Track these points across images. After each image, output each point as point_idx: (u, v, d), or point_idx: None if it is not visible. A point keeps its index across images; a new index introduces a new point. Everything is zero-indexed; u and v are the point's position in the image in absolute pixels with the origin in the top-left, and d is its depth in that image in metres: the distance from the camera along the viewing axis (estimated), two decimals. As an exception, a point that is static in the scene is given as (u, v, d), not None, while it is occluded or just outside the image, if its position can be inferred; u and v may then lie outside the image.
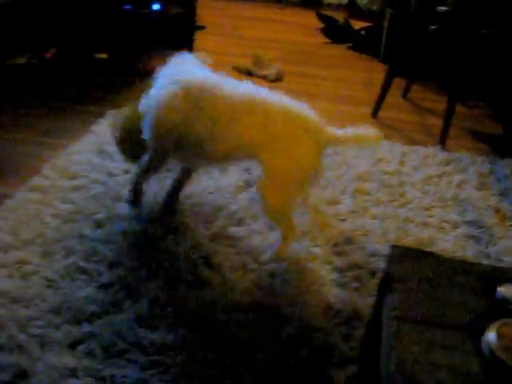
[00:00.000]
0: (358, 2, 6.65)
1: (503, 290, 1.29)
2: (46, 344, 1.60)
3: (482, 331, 1.17)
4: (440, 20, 3.23)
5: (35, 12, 3.68)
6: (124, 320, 1.68)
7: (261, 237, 2.12)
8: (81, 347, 1.60)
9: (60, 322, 1.67)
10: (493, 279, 1.36)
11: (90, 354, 1.58)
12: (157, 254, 1.98)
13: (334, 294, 1.86)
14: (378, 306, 1.52)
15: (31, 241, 2.00)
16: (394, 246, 1.49)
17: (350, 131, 1.97)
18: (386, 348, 1.22)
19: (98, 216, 2.15)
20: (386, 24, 4.71)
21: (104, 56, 4.03)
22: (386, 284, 1.41)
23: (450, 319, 1.24)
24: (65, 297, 1.75)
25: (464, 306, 1.28)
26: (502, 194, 2.65)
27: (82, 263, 1.90)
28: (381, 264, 2.01)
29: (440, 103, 3.62)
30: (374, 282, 1.92)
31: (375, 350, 1.36)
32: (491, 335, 1.14)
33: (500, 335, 1.14)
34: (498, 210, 2.50)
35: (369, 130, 1.99)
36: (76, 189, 2.33)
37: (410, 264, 1.41)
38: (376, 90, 3.61)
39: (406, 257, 1.43)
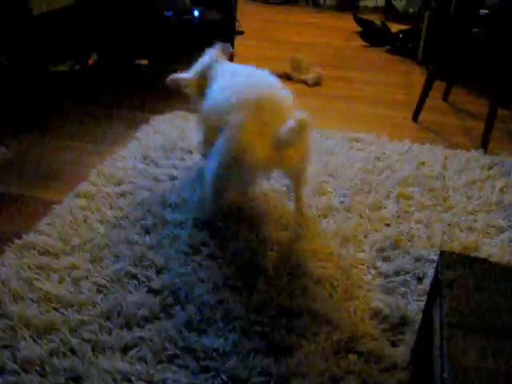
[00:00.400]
0: (395, 4, 6.65)
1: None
2: (98, 348, 1.63)
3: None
4: (481, 23, 3.21)
5: (78, 19, 3.75)
6: (174, 325, 1.70)
7: (306, 242, 2.13)
8: (132, 352, 1.62)
9: (111, 326, 1.70)
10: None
11: (141, 358, 1.60)
12: (203, 259, 2.00)
13: (380, 300, 1.86)
14: (427, 312, 1.52)
15: (80, 246, 2.04)
16: (442, 252, 1.49)
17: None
18: (438, 354, 1.22)
19: (145, 222, 2.19)
20: (424, 26, 4.69)
21: (145, 62, 4.10)
22: (436, 290, 1.42)
23: (503, 326, 1.24)
24: (115, 302, 1.78)
25: (516, 313, 1.28)
26: (547, 197, 2.62)
27: (130, 268, 1.93)
28: (427, 269, 2.01)
29: (481, 106, 3.60)
30: (421, 288, 1.92)
31: (427, 356, 1.37)
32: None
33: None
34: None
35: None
36: (122, 195, 2.36)
37: (460, 270, 1.41)
38: (416, 93, 3.60)
39: (455, 263, 1.43)
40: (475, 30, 3.21)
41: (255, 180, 2.19)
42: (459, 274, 1.39)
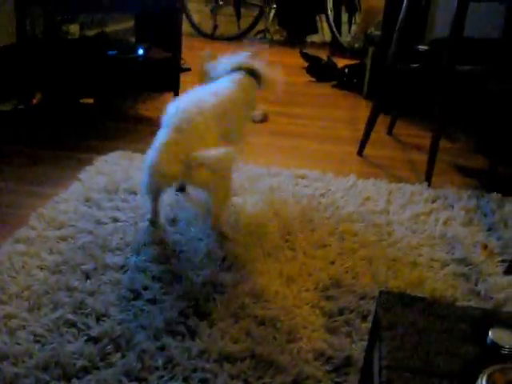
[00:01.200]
0: (341, 40, 6.76)
1: (494, 335, 1.28)
2: (35, 402, 1.58)
3: (473, 378, 1.16)
4: (421, 58, 3.28)
5: (21, 58, 3.71)
6: (113, 374, 1.65)
7: (251, 283, 2.11)
8: (70, 405, 1.57)
9: (48, 378, 1.63)
10: (483, 323, 1.35)
11: (79, 411, 1.56)
12: (145, 304, 1.96)
13: (324, 340, 1.84)
14: (368, 355, 1.51)
15: (18, 294, 1.97)
16: (381, 292, 1.48)
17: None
18: (377, 399, 1.21)
19: (86, 267, 2.13)
20: (368, 62, 4.77)
21: (90, 101, 4.06)
22: (376, 332, 1.41)
23: (441, 367, 1.23)
24: (53, 352, 1.72)
25: (455, 353, 1.27)
26: (490, 229, 2.66)
27: (69, 316, 1.87)
28: (371, 306, 2.00)
29: (425, 139, 3.65)
30: (366, 326, 1.90)
31: (367, 400, 1.35)
32: (483, 382, 1.13)
33: (492, 382, 1.13)
34: (485, 247, 2.50)
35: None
36: (63, 239, 2.31)
37: (399, 310, 1.41)
38: (361, 128, 3.64)
39: (394, 303, 1.43)
40: (414, 65, 3.28)
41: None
42: (397, 315, 1.39)
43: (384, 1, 4.58)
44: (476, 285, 2.23)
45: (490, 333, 1.28)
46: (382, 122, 3.83)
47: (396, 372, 1.21)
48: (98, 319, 1.87)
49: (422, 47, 3.19)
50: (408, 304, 1.43)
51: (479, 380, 1.14)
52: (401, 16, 3.34)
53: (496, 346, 1.25)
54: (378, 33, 4.88)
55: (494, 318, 1.42)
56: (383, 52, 4.32)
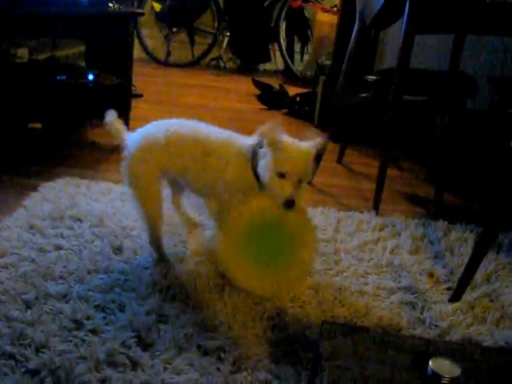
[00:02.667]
0: (294, 68, 6.84)
1: (434, 365, 1.29)
2: None
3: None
4: (369, 88, 3.32)
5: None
6: (51, 408, 1.61)
7: (195, 314, 2.08)
8: None
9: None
10: (424, 353, 1.36)
11: None
12: (86, 334, 1.91)
13: (270, 371, 1.82)
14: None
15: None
16: (324, 322, 1.48)
17: None
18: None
19: (27, 296, 2.07)
20: (319, 90, 4.82)
21: (38, 126, 4.00)
22: (317, 362, 1.40)
23: (382, 398, 1.23)
24: (-12, 385, 1.67)
25: (396, 382, 1.28)
26: (436, 257, 2.70)
27: (7, 348, 1.81)
28: (317, 336, 2.00)
29: (374, 167, 3.69)
30: (311, 356, 1.90)
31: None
32: (422, 414, 1.13)
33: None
34: (431, 275, 2.53)
35: None
36: (4, 267, 2.24)
37: (341, 340, 1.41)
38: (311, 156, 3.65)
39: (336, 333, 1.43)
40: (363, 94, 3.32)
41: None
42: (340, 345, 1.39)
43: (335, 31, 4.66)
44: (422, 313, 2.25)
45: (430, 362, 1.29)
46: (332, 150, 3.86)
47: (337, 404, 1.21)
48: (37, 350, 1.82)
49: (370, 77, 3.23)
50: (350, 333, 1.44)
51: (419, 411, 1.14)
52: (350, 47, 3.40)
53: (436, 376, 1.26)
54: (329, 62, 4.95)
55: (435, 347, 1.43)
56: (334, 81, 4.39)
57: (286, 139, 2.13)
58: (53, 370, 1.74)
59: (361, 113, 3.78)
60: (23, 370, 1.74)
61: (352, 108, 3.57)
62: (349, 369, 1.30)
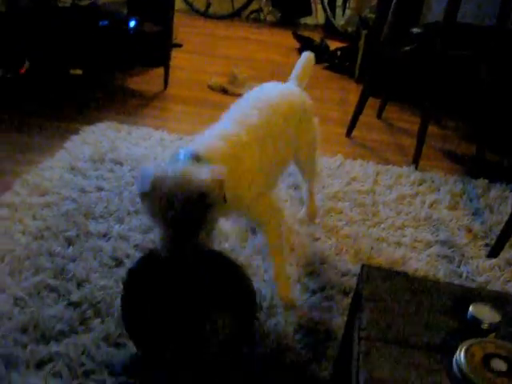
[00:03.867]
0: (335, 23, 6.72)
1: (475, 310, 1.28)
2: (12, 364, 1.56)
3: (452, 351, 1.16)
4: (414, 41, 3.26)
5: (10, 26, 3.66)
6: (92, 339, 1.65)
7: (233, 256, 2.10)
8: (48, 367, 1.56)
9: (27, 340, 1.63)
10: (464, 299, 1.35)
11: (56, 374, 1.54)
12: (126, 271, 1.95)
13: (305, 314, 1.84)
14: (348, 326, 1.51)
15: (-1, 258, 1.97)
16: (364, 266, 1.48)
17: None
18: (355, 368, 1.20)
19: (69, 233, 2.12)
20: (361, 45, 4.75)
21: (79, 72, 4.01)
22: (357, 304, 1.41)
23: (421, 339, 1.23)
24: (32, 315, 1.71)
25: (435, 326, 1.28)
26: (474, 213, 2.67)
27: (51, 281, 1.86)
28: (353, 283, 2.00)
29: (414, 124, 3.65)
30: (347, 302, 1.90)
31: (346, 369, 1.35)
32: (461, 355, 1.13)
33: (470, 355, 1.13)
34: (469, 230, 2.51)
35: None
36: (47, 205, 2.29)
37: (381, 283, 1.40)
38: (351, 110, 3.62)
39: (376, 276, 1.43)
40: (407, 48, 3.26)
41: None
42: (379, 288, 1.39)
43: (379, -16, 4.57)
44: (459, 267, 2.24)
45: (470, 308, 1.28)
46: (373, 105, 3.81)
47: (375, 343, 1.21)
48: (78, 285, 1.87)
49: (415, 30, 3.17)
50: (390, 278, 1.43)
51: (458, 352, 1.14)
52: (395, -1, 3.33)
53: (476, 321, 1.26)
54: (372, 15, 4.86)
55: (475, 294, 1.42)
56: (376, 35, 4.32)
57: None
58: (94, 304, 1.78)
59: (404, 67, 3.71)
60: (65, 302, 1.79)
61: (395, 62, 3.51)
62: (388, 310, 1.31)
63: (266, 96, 2.05)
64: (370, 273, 1.44)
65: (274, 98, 2.03)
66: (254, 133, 1.80)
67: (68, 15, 3.76)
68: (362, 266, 1.47)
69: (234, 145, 1.72)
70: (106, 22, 3.76)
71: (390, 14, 3.35)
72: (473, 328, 1.26)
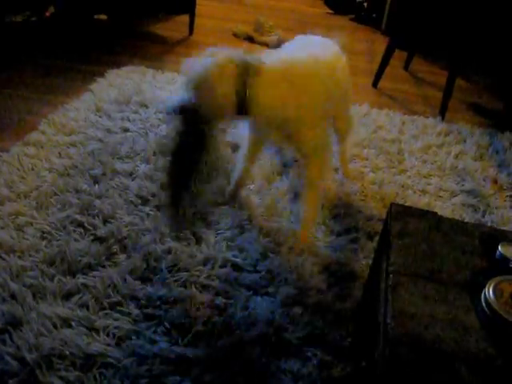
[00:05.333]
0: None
1: (504, 249, 1.27)
2: (40, 294, 1.58)
3: (480, 288, 1.16)
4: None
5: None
6: (118, 272, 1.66)
7: (259, 197, 2.10)
8: (74, 298, 1.58)
9: (54, 272, 1.65)
10: (493, 239, 1.34)
11: (83, 305, 1.56)
12: (152, 210, 1.96)
13: (329, 256, 1.85)
14: (375, 263, 1.51)
15: (26, 194, 1.98)
16: (393, 204, 1.47)
17: None
18: (382, 301, 1.21)
19: (94, 171, 2.13)
20: (388, -4, 4.67)
21: (104, 17, 3.99)
22: (385, 241, 1.40)
23: (449, 276, 1.23)
24: (59, 248, 1.73)
25: (464, 264, 1.27)
26: (500, 165, 2.64)
27: (77, 216, 1.88)
28: (378, 228, 2.00)
29: (441, 76, 3.59)
30: (371, 245, 1.91)
31: (373, 305, 1.36)
32: (490, 291, 1.13)
33: (499, 290, 1.13)
34: (495, 181, 2.49)
35: None
36: (73, 145, 2.30)
37: (410, 221, 1.40)
38: (377, 61, 3.57)
39: (405, 214, 1.42)
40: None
41: None
42: (408, 225, 1.38)
43: None
44: (483, 216, 2.22)
45: (499, 247, 1.28)
46: (399, 57, 3.75)
47: (403, 277, 1.21)
48: (104, 221, 1.88)
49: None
50: (419, 216, 1.43)
51: (486, 289, 1.14)
52: None
53: (504, 259, 1.25)
54: (401, -34, 4.76)
55: (503, 236, 1.41)
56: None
57: None
58: (120, 239, 1.80)
59: (432, 18, 3.63)
60: (92, 237, 1.80)
61: (423, 13, 3.43)
62: (417, 248, 1.30)
63: (317, 42, 2.08)
64: (399, 211, 1.43)
65: (324, 45, 2.05)
66: (315, 64, 1.80)
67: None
68: (391, 205, 1.46)
69: (297, 67, 1.75)
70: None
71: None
72: (501, 267, 1.25)
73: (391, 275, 1.21)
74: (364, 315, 1.56)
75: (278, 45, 3.89)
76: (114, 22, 3.92)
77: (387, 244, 1.34)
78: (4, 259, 1.68)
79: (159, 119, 2.56)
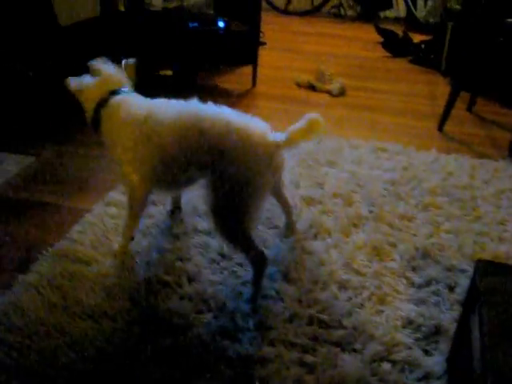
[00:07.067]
0: (416, 14, 6.64)
1: None
2: (133, 355, 1.64)
3: None
4: (507, 32, 3.20)
5: (104, 29, 3.78)
6: (207, 332, 1.71)
7: (337, 251, 2.13)
8: (168, 360, 1.62)
9: (145, 334, 1.70)
10: None
11: (176, 367, 1.60)
12: (235, 266, 2.01)
13: (412, 309, 1.86)
14: (464, 321, 1.52)
15: (111, 254, 2.06)
16: (479, 260, 1.48)
17: (292, 130, 1.82)
18: (479, 364, 1.21)
19: (176, 230, 2.20)
20: (447, 37, 4.68)
21: (169, 73, 4.12)
22: (474, 298, 1.41)
23: (545, 334, 1.23)
24: (148, 309, 1.79)
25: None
26: None
27: (162, 276, 1.94)
28: (458, 279, 2.00)
29: (506, 116, 3.60)
30: (453, 297, 1.91)
31: (466, 365, 1.36)
32: None
33: None
34: None
35: (309, 119, 1.80)
36: (153, 203, 2.37)
37: (497, 278, 1.41)
38: (439, 104, 3.60)
39: (493, 271, 1.43)
40: (501, 39, 3.21)
41: None
42: (497, 282, 1.39)
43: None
44: None
45: None
46: (461, 97, 3.76)
47: (499, 338, 1.22)
48: (189, 280, 1.93)
49: (510, 20, 3.11)
50: (506, 273, 1.43)
51: None
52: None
53: None
54: (458, 7, 4.78)
55: None
56: (465, 27, 4.26)
57: None
58: (206, 299, 1.85)
59: (496, 58, 3.64)
60: (178, 296, 1.86)
61: (487, 54, 3.45)
62: (509, 305, 1.31)
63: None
64: (486, 267, 1.44)
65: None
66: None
67: (159, 18, 3.86)
68: (477, 261, 1.47)
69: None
70: (195, 24, 3.84)
71: (481, 5, 3.30)
72: None
73: (487, 336, 1.22)
74: (455, 374, 1.56)
75: (340, 92, 3.97)
76: (178, 77, 4.04)
77: (477, 302, 1.35)
78: (96, 323, 1.74)
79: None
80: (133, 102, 2.06)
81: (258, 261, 1.85)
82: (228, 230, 1.84)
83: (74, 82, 2.13)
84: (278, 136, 1.84)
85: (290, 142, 1.83)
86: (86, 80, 2.11)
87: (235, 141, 1.79)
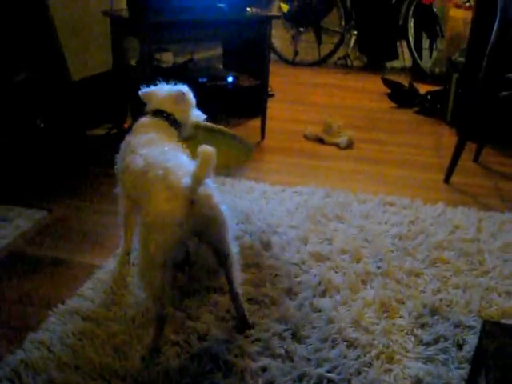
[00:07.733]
0: (422, 64, 6.74)
1: None
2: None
3: None
4: (510, 86, 3.26)
5: (115, 84, 3.87)
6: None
7: (345, 308, 2.15)
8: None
9: (156, 395, 1.72)
10: None
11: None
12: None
13: (421, 368, 1.86)
14: (472, 382, 1.53)
15: (123, 313, 2.08)
16: (485, 322, 1.50)
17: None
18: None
19: (187, 288, 2.22)
20: (452, 88, 4.75)
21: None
22: (480, 360, 1.43)
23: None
24: (159, 369, 1.80)
25: None
26: None
27: (171, 336, 1.95)
28: (466, 336, 2.01)
29: (512, 167, 3.63)
30: (462, 355, 1.91)
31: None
32: None
33: None
34: None
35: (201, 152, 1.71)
36: (162, 260, 2.40)
37: (504, 340, 1.42)
38: (446, 155, 3.63)
39: (500, 333, 1.44)
40: (504, 93, 3.26)
41: None
42: (503, 344, 1.40)
43: (469, 29, 4.57)
44: None
45: None
46: (467, 148, 3.80)
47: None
48: (199, 339, 1.95)
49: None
50: (512, 334, 1.45)
51: None
52: (491, 43, 3.33)
53: None
54: (463, 59, 4.86)
55: None
56: (467, 78, 4.33)
57: None
58: (214, 359, 1.86)
59: (501, 111, 3.70)
60: (188, 355, 1.87)
61: (491, 107, 3.50)
62: (515, 368, 1.32)
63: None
64: (493, 329, 1.46)
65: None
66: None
67: (169, 73, 3.94)
68: (484, 322, 1.49)
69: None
70: (204, 79, 3.93)
71: (485, 60, 3.36)
72: None
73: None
74: None
75: (348, 145, 4.02)
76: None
77: (484, 364, 1.36)
78: (108, 381, 1.76)
79: (242, 230, 2.66)
80: None
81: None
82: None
83: None
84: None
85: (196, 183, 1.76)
86: None
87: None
